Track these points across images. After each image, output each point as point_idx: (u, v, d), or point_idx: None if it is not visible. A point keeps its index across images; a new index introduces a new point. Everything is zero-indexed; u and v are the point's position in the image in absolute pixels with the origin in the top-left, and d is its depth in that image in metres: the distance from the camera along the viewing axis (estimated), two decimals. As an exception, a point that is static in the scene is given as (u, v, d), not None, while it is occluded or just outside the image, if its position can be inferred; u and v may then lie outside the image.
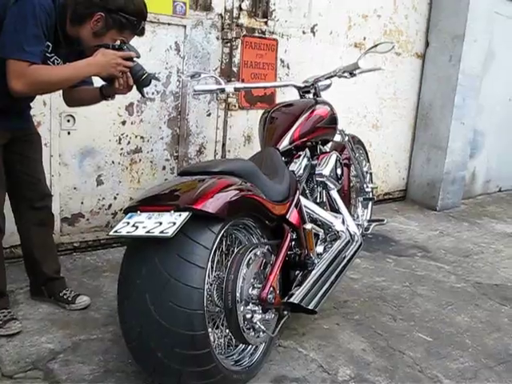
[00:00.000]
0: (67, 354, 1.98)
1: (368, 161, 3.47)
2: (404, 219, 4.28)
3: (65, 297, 2.34)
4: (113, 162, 3.03)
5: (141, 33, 1.98)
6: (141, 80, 1.94)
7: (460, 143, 4.63)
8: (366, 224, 3.11)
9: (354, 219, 2.70)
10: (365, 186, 3.22)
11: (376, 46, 2.47)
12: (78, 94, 2.16)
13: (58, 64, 1.97)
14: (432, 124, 4.65)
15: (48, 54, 1.91)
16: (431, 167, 4.68)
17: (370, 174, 3.45)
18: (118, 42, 1.92)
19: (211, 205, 1.59)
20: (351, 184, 3.09)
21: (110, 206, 3.08)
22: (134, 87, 1.98)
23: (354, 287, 2.81)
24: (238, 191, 1.70)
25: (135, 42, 2.92)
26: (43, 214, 2.28)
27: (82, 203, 2.98)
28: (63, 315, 2.28)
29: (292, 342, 2.19)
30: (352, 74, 2.61)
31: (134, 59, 1.93)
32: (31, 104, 2.20)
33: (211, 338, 1.67)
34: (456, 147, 4.60)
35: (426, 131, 4.72)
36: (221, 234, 1.68)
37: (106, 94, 2.08)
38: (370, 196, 3.26)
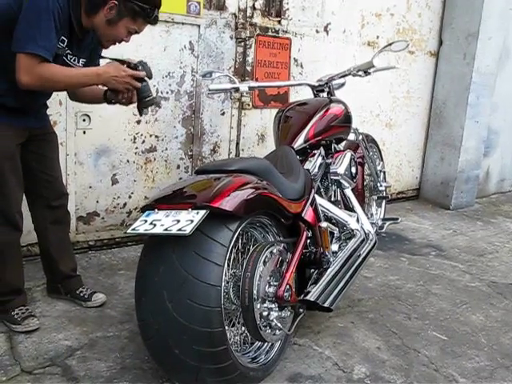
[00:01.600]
0: (84, 351, 2.01)
1: (381, 159, 3.47)
2: (417, 218, 4.26)
3: (81, 294, 2.36)
4: (128, 161, 3.05)
5: (154, 21, 1.99)
6: (144, 101, 2.00)
7: (474, 142, 4.59)
8: (380, 222, 3.10)
9: (368, 218, 2.70)
10: (378, 184, 3.22)
11: (390, 44, 2.47)
12: (81, 91, 2.18)
13: (71, 58, 2.00)
14: (446, 122, 4.61)
15: (61, 46, 1.91)
16: (445, 166, 4.65)
17: (384, 172, 3.44)
18: (136, 61, 1.97)
19: (228, 203, 1.60)
20: (365, 183, 3.09)
21: (124, 204, 3.11)
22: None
23: (368, 286, 2.81)
24: (254, 189, 1.71)
25: (150, 40, 2.95)
26: (60, 213, 2.30)
27: (98, 202, 3.00)
28: (80, 312, 2.31)
29: (307, 339, 2.20)
30: (366, 73, 2.60)
31: (146, 78, 1.97)
32: (47, 103, 2.23)
33: (228, 336, 1.68)
34: (470, 146, 4.56)
35: (439, 130, 4.69)
36: (237, 232, 1.69)
37: (109, 98, 2.11)
38: (384, 195, 3.26)
